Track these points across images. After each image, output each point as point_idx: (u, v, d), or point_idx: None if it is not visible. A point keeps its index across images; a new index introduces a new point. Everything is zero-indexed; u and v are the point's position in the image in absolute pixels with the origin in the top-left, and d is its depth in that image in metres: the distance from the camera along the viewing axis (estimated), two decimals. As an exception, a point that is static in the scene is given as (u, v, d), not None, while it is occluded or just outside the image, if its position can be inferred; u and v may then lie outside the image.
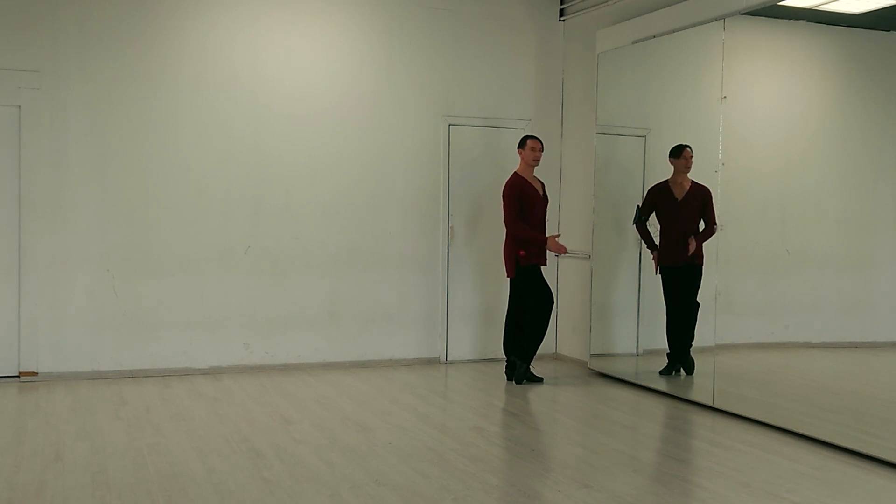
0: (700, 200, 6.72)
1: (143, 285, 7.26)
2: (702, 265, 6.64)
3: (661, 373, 7.08)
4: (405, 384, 7.17)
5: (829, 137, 6.46)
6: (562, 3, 8.45)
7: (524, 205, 7.07)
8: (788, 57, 6.60)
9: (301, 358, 7.72)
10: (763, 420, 5.88)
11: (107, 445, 5.16)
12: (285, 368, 7.64)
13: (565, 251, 7.20)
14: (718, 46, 6.35)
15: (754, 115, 6.63)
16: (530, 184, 7.15)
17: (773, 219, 6.54)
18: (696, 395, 6.60)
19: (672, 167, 6.94)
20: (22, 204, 6.94)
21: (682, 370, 6.98)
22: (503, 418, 6.23)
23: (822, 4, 6.01)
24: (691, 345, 6.84)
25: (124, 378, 7.16)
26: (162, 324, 7.31)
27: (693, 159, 6.82)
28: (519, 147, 7.25)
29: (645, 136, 7.53)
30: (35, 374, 6.98)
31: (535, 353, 7.19)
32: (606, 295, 7.77)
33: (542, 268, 7.16)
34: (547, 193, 7.36)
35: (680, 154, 6.86)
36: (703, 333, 6.60)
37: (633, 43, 7.28)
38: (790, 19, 6.34)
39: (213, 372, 7.44)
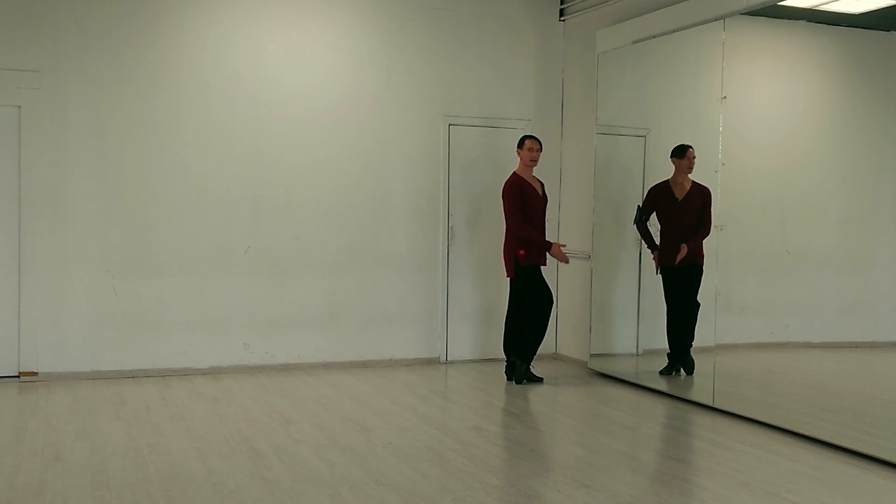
0: (700, 200, 6.72)
1: (143, 285, 7.26)
2: (702, 265, 6.64)
3: (661, 373, 7.08)
4: (405, 384, 7.16)
5: (829, 137, 6.46)
6: (562, 3, 8.45)
7: (523, 205, 7.07)
8: (788, 57, 6.60)
9: (301, 358, 7.72)
10: (763, 420, 5.88)
11: (107, 445, 5.16)
12: (285, 368, 7.64)
13: (566, 261, 7.21)
14: (718, 46, 6.35)
15: (754, 115, 6.63)
16: (529, 184, 7.15)
17: (773, 219, 6.54)
18: (696, 395, 6.60)
19: (673, 167, 6.94)
20: (22, 204, 6.94)
21: (682, 370, 6.98)
22: (503, 418, 6.23)
23: (822, 4, 6.01)
24: (691, 345, 6.84)
25: (124, 378, 7.16)
26: (162, 324, 7.31)
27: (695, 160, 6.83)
28: (518, 147, 7.26)
29: (645, 136, 7.53)
30: (35, 374, 6.99)
31: (535, 353, 7.19)
32: (606, 295, 7.77)
33: (542, 268, 7.16)
34: (546, 193, 7.36)
35: (684, 154, 6.86)
36: (703, 333, 6.60)
37: (633, 43, 7.28)
38: (790, 19, 6.34)
39: (213, 372, 7.44)
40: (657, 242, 7.11)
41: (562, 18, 8.49)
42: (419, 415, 6.08)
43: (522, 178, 7.15)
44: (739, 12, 6.16)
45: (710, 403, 6.33)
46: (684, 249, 6.78)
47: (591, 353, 7.80)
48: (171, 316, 7.34)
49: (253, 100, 7.53)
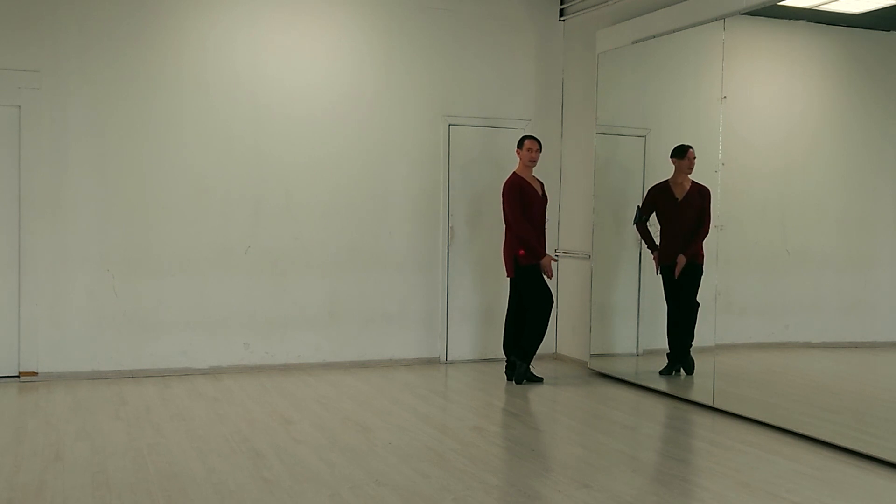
0: (700, 201, 6.72)
1: (143, 285, 7.26)
2: (702, 265, 6.64)
3: (661, 373, 7.07)
4: (405, 384, 7.16)
5: (829, 137, 6.46)
6: (562, 3, 8.45)
7: (523, 204, 7.07)
8: (788, 57, 6.60)
9: (301, 358, 7.72)
10: (763, 420, 5.88)
11: (107, 445, 5.16)
12: (285, 368, 7.64)
13: (550, 276, 7.16)
14: (718, 46, 6.35)
15: (754, 115, 6.63)
16: (529, 183, 7.16)
17: (773, 219, 6.54)
18: (696, 395, 6.60)
19: (673, 167, 6.94)
20: (22, 204, 6.94)
21: (682, 370, 6.98)
22: (503, 418, 6.23)
23: (822, 4, 6.01)
24: (691, 345, 6.84)
25: (124, 378, 7.16)
26: (162, 324, 7.32)
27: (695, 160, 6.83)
28: (517, 147, 7.26)
29: (645, 136, 7.53)
30: (35, 374, 6.99)
31: (534, 353, 7.19)
32: (606, 295, 7.77)
33: (542, 268, 7.17)
34: (546, 193, 7.36)
35: (684, 154, 6.85)
36: (703, 333, 6.60)
37: (633, 43, 7.28)
38: (790, 19, 6.34)
39: (213, 372, 7.44)
40: (657, 242, 7.11)
41: (562, 18, 8.49)
42: (419, 415, 6.08)
43: (522, 178, 7.15)
44: (739, 12, 6.16)
45: (710, 403, 6.33)
46: (682, 261, 6.79)
47: (591, 353, 7.80)
48: (171, 316, 7.34)
49: (253, 100, 7.53)
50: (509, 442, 5.51)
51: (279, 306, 7.64)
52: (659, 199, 7.07)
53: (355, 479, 4.58)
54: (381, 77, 7.92)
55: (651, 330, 7.35)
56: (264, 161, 7.57)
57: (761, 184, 6.56)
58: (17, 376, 6.98)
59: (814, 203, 6.44)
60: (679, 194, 6.92)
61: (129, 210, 7.21)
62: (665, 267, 7.01)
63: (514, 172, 7.22)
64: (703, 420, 6.10)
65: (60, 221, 7.04)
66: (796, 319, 6.46)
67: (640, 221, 7.19)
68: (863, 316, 6.17)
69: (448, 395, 7.10)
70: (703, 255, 6.65)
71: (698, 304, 6.71)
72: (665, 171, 7.02)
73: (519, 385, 7.13)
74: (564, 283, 8.42)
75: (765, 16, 6.24)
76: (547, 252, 7.20)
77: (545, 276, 7.11)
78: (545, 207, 7.28)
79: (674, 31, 6.82)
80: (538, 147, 7.20)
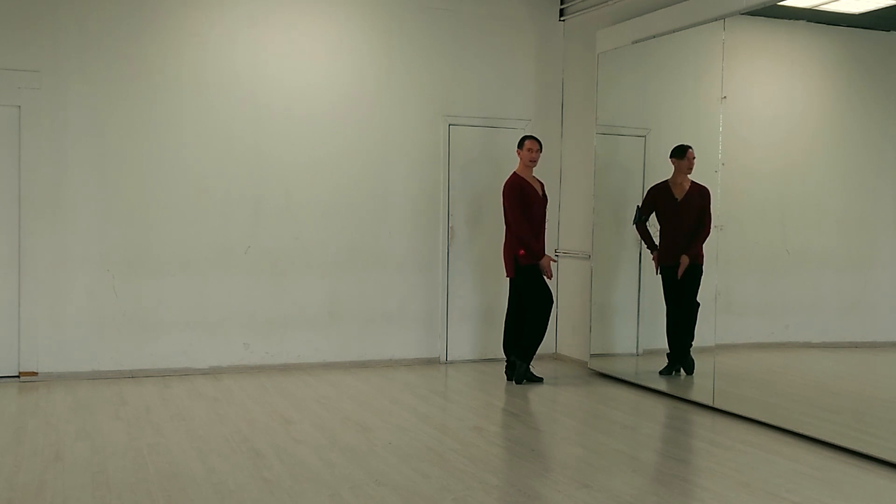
0: (700, 201, 6.72)
1: (143, 285, 7.26)
2: (702, 265, 6.64)
3: (661, 373, 7.07)
4: (405, 384, 7.17)
5: (829, 137, 6.46)
6: (562, 3, 8.45)
7: (523, 204, 7.07)
8: (788, 57, 6.60)
9: (301, 358, 7.72)
10: (763, 420, 5.88)
11: (107, 445, 5.16)
12: (285, 368, 7.64)
13: (550, 276, 7.16)
14: (718, 46, 6.35)
15: (754, 115, 6.63)
16: (529, 183, 7.16)
17: (773, 219, 6.53)
18: (696, 395, 6.60)
19: (673, 167, 6.94)
20: (22, 204, 6.94)
21: (682, 370, 6.98)
22: (503, 418, 6.23)
23: (822, 4, 6.01)
24: (691, 345, 6.84)
25: (124, 378, 7.16)
26: (162, 324, 7.32)
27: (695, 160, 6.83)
28: (518, 147, 7.26)
29: (645, 136, 7.53)
30: (35, 374, 6.99)
31: (534, 353, 7.19)
32: (606, 295, 7.77)
33: (542, 268, 7.16)
34: (546, 193, 7.36)
35: (684, 154, 6.85)
36: (703, 333, 6.60)
37: (633, 43, 7.28)
38: (790, 19, 6.34)
39: (213, 372, 7.44)
40: (656, 243, 7.11)
41: (562, 18, 8.49)
42: (419, 415, 6.08)
43: (522, 178, 7.15)
44: (739, 12, 6.16)
45: (710, 403, 6.33)
46: (685, 262, 6.79)
47: (591, 353, 7.80)
48: (171, 316, 7.34)
49: (253, 100, 7.53)
50: (509, 442, 5.51)
51: (279, 306, 7.64)
52: (659, 199, 7.07)
53: (355, 479, 4.58)
54: (381, 77, 7.92)
55: (651, 330, 7.35)
56: (264, 161, 7.57)
57: (761, 184, 6.55)
58: (17, 376, 6.98)
59: (814, 203, 6.44)
60: (679, 194, 6.92)
61: (129, 210, 7.22)
62: (665, 267, 7.01)
63: (515, 172, 7.22)
64: (703, 420, 6.10)
65: (60, 221, 7.04)
66: (796, 319, 6.46)
67: (640, 221, 7.19)
68: (863, 316, 6.17)
69: (448, 395, 7.10)
70: (703, 256, 6.65)
71: (698, 305, 6.71)
72: (665, 171, 7.02)
73: (519, 385, 7.13)
74: (564, 283, 8.42)
75: (765, 16, 6.24)
76: (546, 252, 7.21)
77: (545, 277, 7.11)
78: (545, 208, 7.28)
79: (674, 31, 6.82)
80: (538, 147, 7.20)
